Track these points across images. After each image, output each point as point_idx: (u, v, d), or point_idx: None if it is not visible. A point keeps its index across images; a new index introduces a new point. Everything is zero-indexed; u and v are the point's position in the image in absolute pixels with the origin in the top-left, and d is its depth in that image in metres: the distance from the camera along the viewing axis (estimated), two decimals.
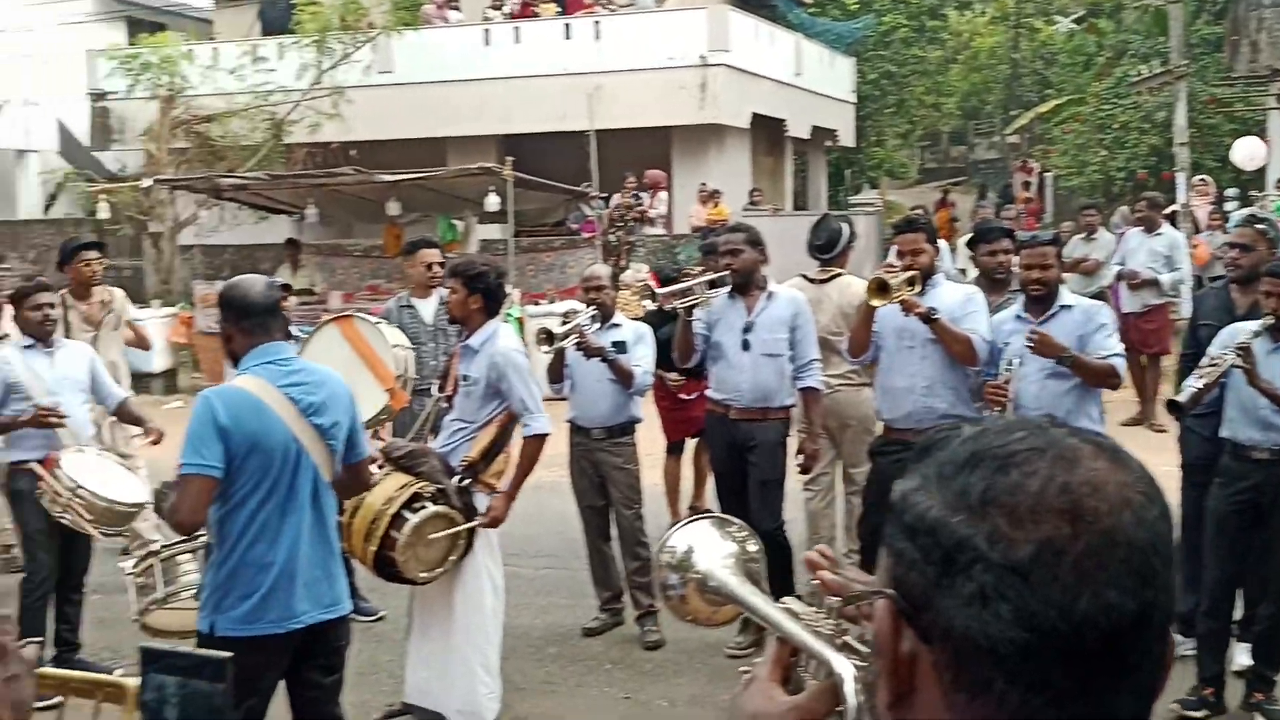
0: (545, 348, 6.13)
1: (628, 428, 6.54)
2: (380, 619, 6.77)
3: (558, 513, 8.35)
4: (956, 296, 5.67)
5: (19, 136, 22.70)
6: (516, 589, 6.82)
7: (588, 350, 6.18)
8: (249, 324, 3.86)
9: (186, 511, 3.67)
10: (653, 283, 6.90)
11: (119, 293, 8.07)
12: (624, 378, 6.30)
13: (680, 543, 1.35)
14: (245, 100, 19.03)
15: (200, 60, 19.43)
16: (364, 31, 18.69)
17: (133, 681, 1.82)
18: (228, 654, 1.17)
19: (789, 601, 1.20)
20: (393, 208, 14.40)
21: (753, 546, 1.34)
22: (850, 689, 1.07)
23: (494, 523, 5.19)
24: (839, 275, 6.74)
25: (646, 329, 6.70)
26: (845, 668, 1.09)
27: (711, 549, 1.32)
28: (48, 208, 23.26)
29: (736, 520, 1.38)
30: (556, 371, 6.49)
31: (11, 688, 1.50)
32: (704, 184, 19.22)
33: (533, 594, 7.09)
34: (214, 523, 3.79)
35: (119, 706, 1.79)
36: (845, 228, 6.91)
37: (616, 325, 6.53)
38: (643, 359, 6.43)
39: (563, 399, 6.73)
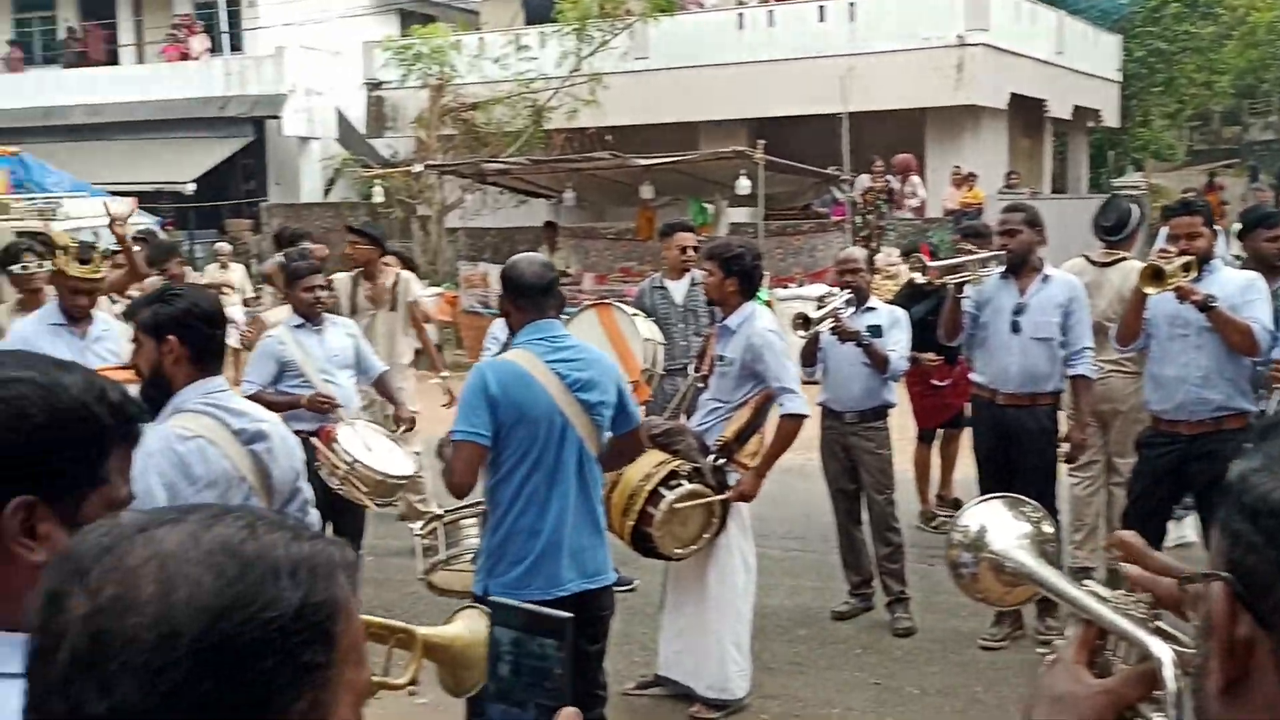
0: (801, 332, 6.13)
1: (881, 412, 6.48)
2: (632, 589, 6.93)
3: (804, 495, 8.35)
4: (1236, 282, 5.38)
5: (303, 125, 24.23)
6: (764, 570, 6.85)
7: (843, 334, 6.15)
8: (524, 301, 4.03)
9: (458, 475, 3.89)
10: (924, 257, 6.80)
11: (406, 274, 8.31)
12: (879, 363, 6.25)
13: (972, 522, 1.35)
14: (508, 88, 19.73)
15: (467, 50, 20.26)
16: (622, 19, 19.08)
17: (422, 629, 1.95)
18: (568, 614, 1.24)
19: (1091, 584, 1.19)
20: (646, 191, 14.67)
21: (1048, 528, 1.33)
22: (1170, 673, 1.05)
23: (742, 497, 5.25)
24: (1123, 259, 6.48)
25: (902, 313, 6.61)
26: (1164, 651, 1.07)
27: (1006, 529, 1.32)
28: (327, 191, 24.75)
29: (1030, 500, 1.38)
30: (810, 355, 6.48)
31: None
32: (958, 167, 18.74)
33: (780, 575, 7.12)
34: (486, 491, 3.99)
35: (407, 652, 1.91)
36: (1135, 209, 6.64)
37: (871, 309, 6.47)
38: (898, 344, 6.35)
39: (814, 382, 6.72)
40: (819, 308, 6.28)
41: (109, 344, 5.62)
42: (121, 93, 24.57)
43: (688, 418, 5.61)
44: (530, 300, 4.05)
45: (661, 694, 5.52)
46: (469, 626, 2.14)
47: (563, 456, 3.96)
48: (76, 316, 5.68)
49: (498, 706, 1.26)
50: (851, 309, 6.32)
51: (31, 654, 0.96)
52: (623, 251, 17.32)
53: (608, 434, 4.10)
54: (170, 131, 24.10)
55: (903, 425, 7.55)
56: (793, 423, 5.23)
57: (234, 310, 12.95)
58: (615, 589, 6.78)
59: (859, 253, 6.77)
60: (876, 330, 6.32)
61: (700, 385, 5.64)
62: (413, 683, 1.92)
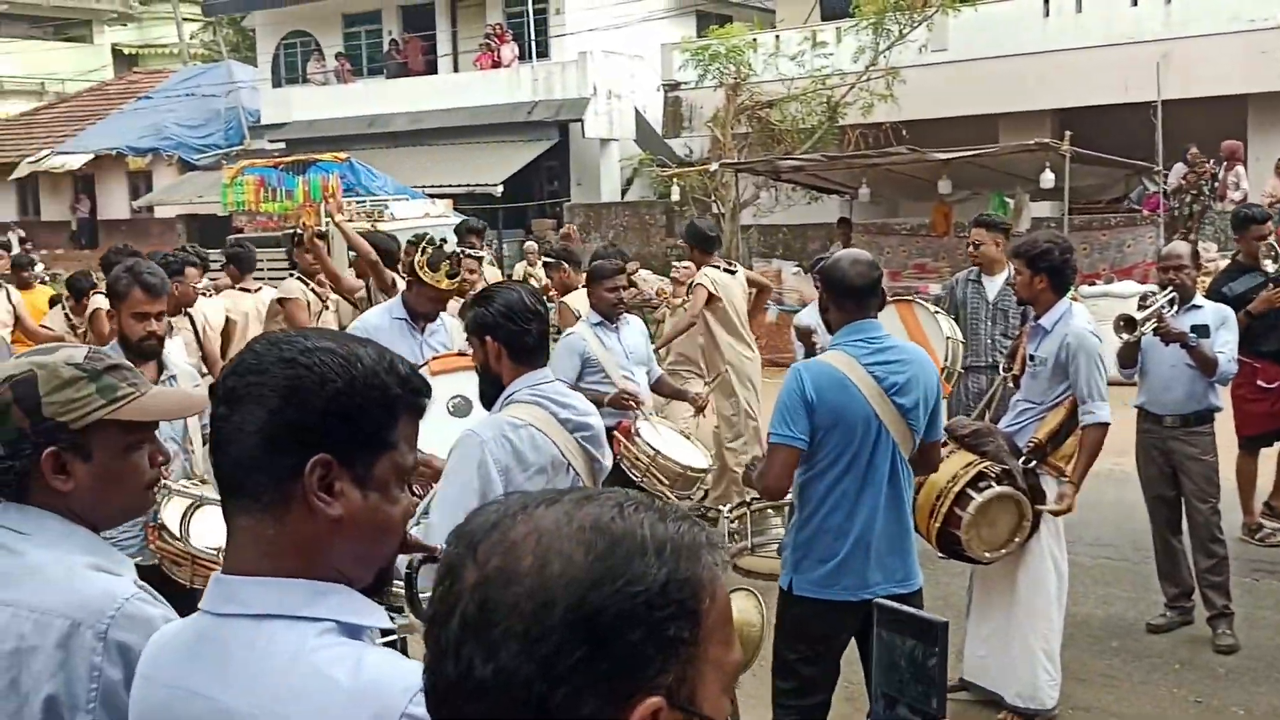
0: (1125, 335, 5.88)
1: (1205, 416, 6.15)
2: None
3: (1117, 501, 8.02)
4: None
5: (603, 127, 25.01)
6: (1075, 577, 6.60)
7: (1167, 336, 5.87)
8: (846, 301, 4.03)
9: (773, 478, 3.96)
10: (1277, 242, 6.42)
11: (706, 271, 8.48)
12: (1206, 366, 5.93)
13: None
14: (803, 85, 19.74)
15: (763, 48, 20.40)
16: (920, 11, 18.74)
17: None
18: (943, 619, 1.29)
19: None
20: (943, 186, 14.37)
21: None
22: None
23: (1058, 512, 5.11)
24: None
25: (1229, 311, 6.25)
26: None
27: None
28: (625, 191, 25.48)
29: None
30: (1130, 355, 6.22)
31: None
32: None
33: (1091, 583, 6.88)
34: (797, 487, 4.05)
35: None
36: None
37: (1197, 307, 6.16)
38: (1226, 345, 6.02)
39: (1131, 384, 6.46)
40: (1141, 308, 6.02)
41: (440, 337, 6.00)
42: (438, 100, 26.06)
43: (995, 419, 5.51)
44: (854, 300, 4.02)
45: (968, 699, 5.45)
46: (736, 606, 2.17)
47: (875, 459, 3.96)
48: (422, 317, 5.96)
49: (879, 705, 1.31)
50: (1175, 309, 6.03)
51: (430, 620, 1.07)
52: (918, 247, 17.02)
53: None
54: (482, 136, 25.38)
55: (1221, 429, 7.15)
56: (1097, 431, 5.06)
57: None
58: None
59: (1183, 248, 6.44)
60: (1203, 330, 6.01)
61: (1011, 385, 5.53)
62: None
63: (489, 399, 3.52)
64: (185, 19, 36.44)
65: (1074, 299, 13.08)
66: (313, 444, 1.45)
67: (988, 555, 5.05)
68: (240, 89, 30.31)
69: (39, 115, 35.33)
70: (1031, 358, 5.23)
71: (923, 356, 4.19)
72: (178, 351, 5.16)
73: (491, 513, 1.09)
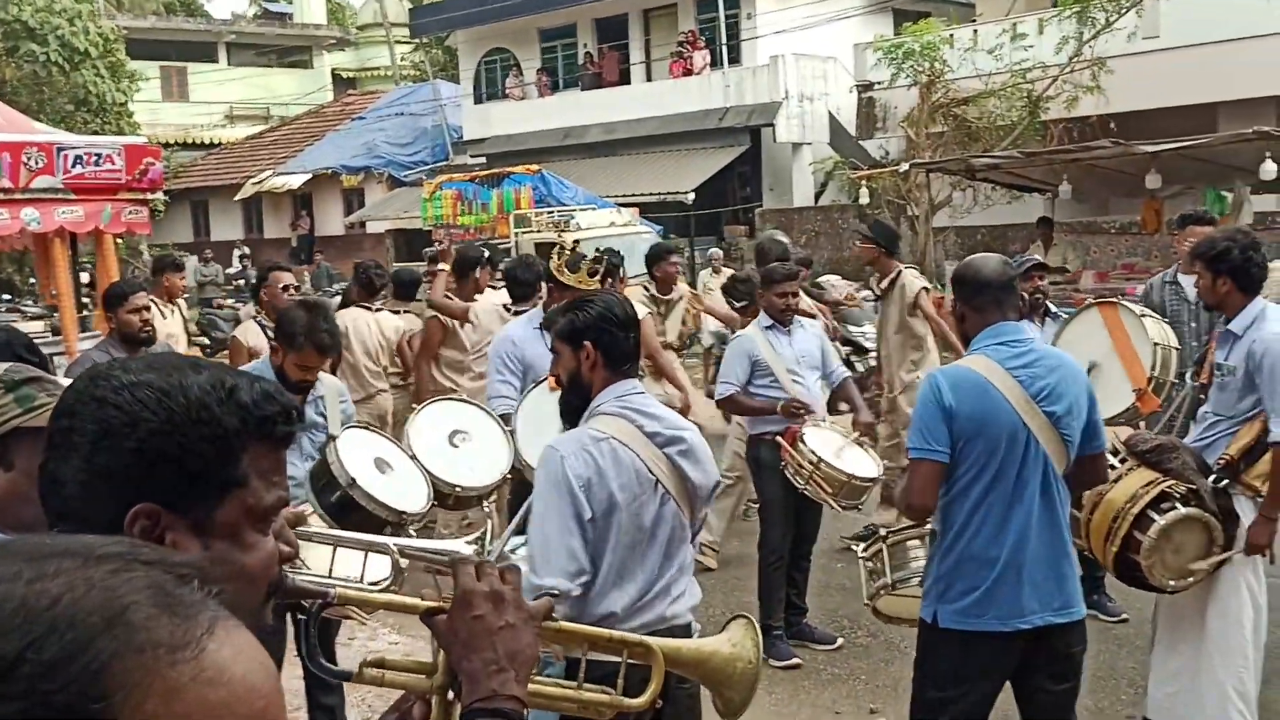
0: None
1: None
2: (1123, 621, 6.34)
3: None
4: None
5: (795, 130, 24.65)
6: (1275, 605, 6.02)
7: None
8: (981, 302, 3.72)
9: (916, 496, 3.64)
10: None
11: (909, 273, 8.12)
12: None
13: None
14: (1002, 80, 18.95)
15: (960, 44, 19.69)
16: None
17: (661, 642, 1.78)
18: None
19: None
20: (1152, 180, 13.47)
21: None
22: None
23: (1254, 550, 4.58)
24: None
25: None
26: None
27: None
28: (818, 195, 25.04)
29: None
30: None
31: (503, 636, 1.52)
32: None
33: None
34: (938, 510, 3.72)
35: (648, 663, 1.76)
36: None
37: None
38: None
39: None
40: None
41: None
42: (631, 110, 26.22)
43: (1182, 432, 5.01)
44: (990, 300, 3.72)
45: None
46: (731, 640, 1.94)
47: (1024, 474, 3.61)
48: None
49: None
50: None
51: None
52: (1126, 246, 16.10)
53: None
54: (673, 144, 25.39)
55: None
56: None
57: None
58: (1104, 618, 6.30)
59: None
60: None
61: (1200, 396, 5.02)
62: (654, 703, 1.76)
63: (574, 412, 3.34)
64: (397, 41, 37.85)
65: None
66: (130, 493, 1.27)
67: (1172, 584, 4.56)
68: (445, 106, 31.25)
69: (263, 138, 37.30)
70: (1219, 366, 4.72)
71: (1069, 360, 3.81)
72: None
73: None
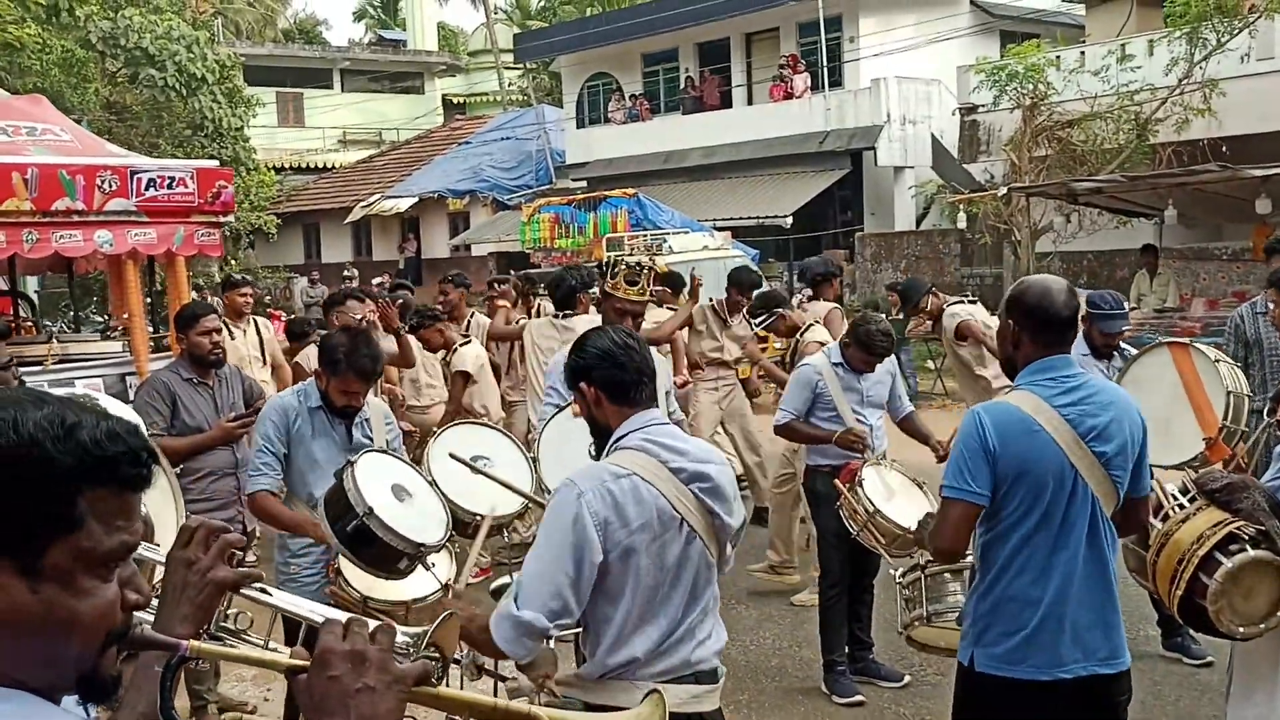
0: None
1: None
2: (1208, 664, 6.06)
3: None
4: None
5: (897, 154, 24.35)
6: None
7: None
8: (1043, 335, 3.50)
9: (948, 538, 3.46)
10: None
11: (949, 310, 8.16)
12: None
13: None
14: (1108, 102, 18.46)
15: (1065, 65, 19.25)
16: (1243, 17, 17.13)
17: (548, 712, 1.68)
18: None
19: None
20: (1262, 205, 13.02)
21: None
22: None
23: None
24: None
25: None
26: None
27: None
28: (920, 220, 24.68)
29: None
30: None
31: (360, 700, 1.43)
32: None
33: None
34: (978, 548, 3.55)
35: None
36: None
37: None
38: None
39: None
40: None
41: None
42: (731, 134, 26.16)
43: (1257, 471, 4.76)
44: (1054, 333, 3.51)
45: None
46: (639, 715, 1.83)
47: (1070, 516, 3.42)
48: None
49: None
50: None
51: None
52: (1238, 274, 15.53)
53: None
54: (773, 168, 25.26)
55: None
56: None
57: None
58: (1188, 663, 6.03)
59: None
60: None
61: (1278, 433, 4.76)
62: None
63: (600, 450, 3.27)
64: (506, 67, 38.41)
65: None
66: None
67: (1242, 630, 4.30)
68: (549, 130, 31.56)
69: (374, 162, 38.11)
70: None
71: (1124, 396, 3.60)
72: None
73: None
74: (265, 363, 8.96)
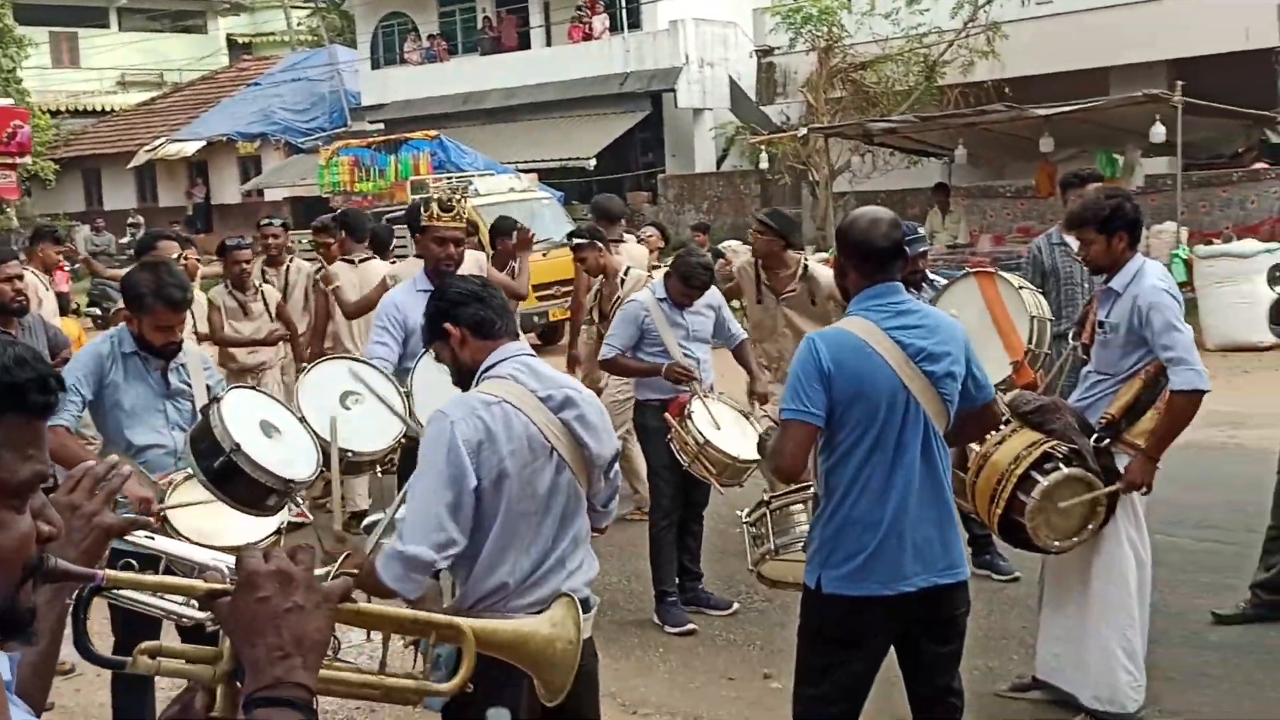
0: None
1: None
2: (1015, 580, 6.35)
3: (1230, 478, 7.40)
4: None
5: (697, 96, 24.56)
6: (1171, 562, 6.06)
7: None
8: (868, 267, 3.60)
9: (787, 458, 3.54)
10: None
11: (816, 264, 7.93)
12: None
13: None
14: (899, 45, 19.01)
15: (858, 8, 19.70)
16: None
17: (471, 622, 1.69)
18: None
19: None
20: (1045, 144, 13.63)
21: None
22: None
23: (1132, 486, 4.57)
24: None
25: None
26: None
27: None
28: (720, 161, 24.98)
29: None
30: None
31: (290, 619, 1.42)
32: None
33: (1194, 570, 6.28)
34: (820, 475, 3.63)
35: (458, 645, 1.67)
36: None
37: None
38: None
39: (1273, 348, 5.83)
40: None
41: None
42: (531, 75, 25.89)
43: (1064, 392, 4.99)
44: (875, 263, 3.60)
45: (1040, 699, 4.95)
46: (552, 620, 1.88)
47: (905, 436, 3.52)
48: (446, 271, 5.28)
49: None
50: None
51: None
52: (1022, 210, 16.29)
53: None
54: (574, 110, 25.13)
55: None
56: (1186, 399, 4.47)
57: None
58: (997, 578, 6.31)
59: None
60: None
61: (1082, 355, 4.99)
62: (465, 686, 1.66)
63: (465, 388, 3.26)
64: (293, 6, 36.94)
65: (1188, 261, 12.26)
66: None
67: (1057, 544, 4.55)
68: (342, 72, 30.60)
69: (156, 105, 36.24)
70: (1101, 324, 4.69)
71: (949, 320, 3.73)
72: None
73: None
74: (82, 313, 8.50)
